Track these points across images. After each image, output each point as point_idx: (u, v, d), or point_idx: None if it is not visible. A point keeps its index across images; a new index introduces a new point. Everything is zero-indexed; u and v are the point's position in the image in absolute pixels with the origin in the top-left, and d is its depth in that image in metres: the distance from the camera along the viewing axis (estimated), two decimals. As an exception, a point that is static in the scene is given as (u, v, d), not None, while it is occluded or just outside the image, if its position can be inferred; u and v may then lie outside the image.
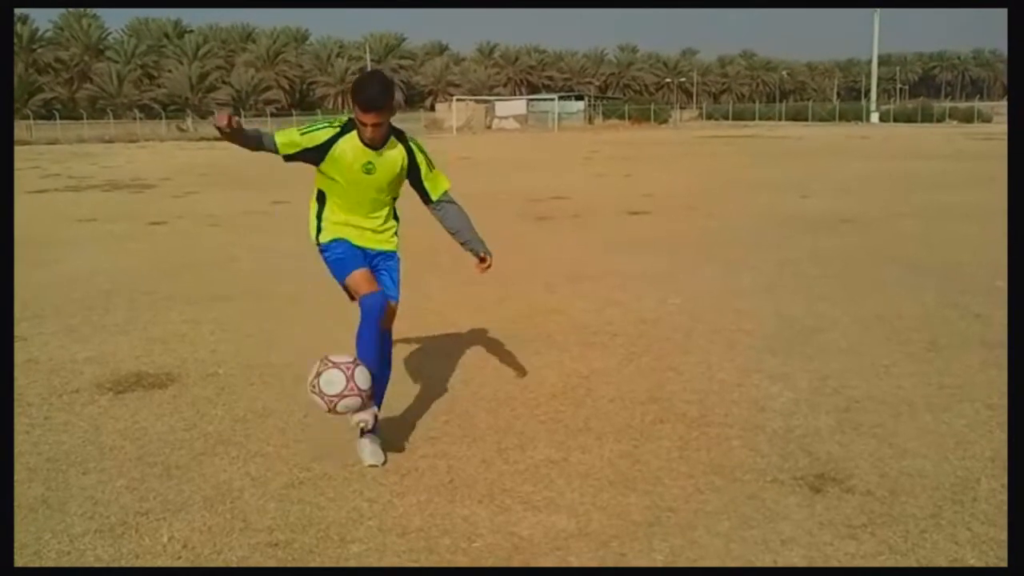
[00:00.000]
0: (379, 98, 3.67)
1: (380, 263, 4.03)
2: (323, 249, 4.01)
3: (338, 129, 3.82)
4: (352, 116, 3.80)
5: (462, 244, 4.13)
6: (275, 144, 3.83)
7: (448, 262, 8.38)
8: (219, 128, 3.61)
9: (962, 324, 6.17)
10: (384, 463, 3.90)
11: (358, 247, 3.96)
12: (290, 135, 3.85)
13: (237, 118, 3.67)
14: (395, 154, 3.88)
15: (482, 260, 4.09)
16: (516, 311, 6.79)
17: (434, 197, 4.03)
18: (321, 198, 3.99)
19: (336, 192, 3.92)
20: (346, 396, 3.62)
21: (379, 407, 4.01)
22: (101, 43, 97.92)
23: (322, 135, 3.82)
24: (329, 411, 3.67)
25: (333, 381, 3.62)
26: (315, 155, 3.83)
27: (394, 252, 4.08)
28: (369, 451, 3.91)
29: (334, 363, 3.66)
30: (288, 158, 3.86)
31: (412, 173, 3.96)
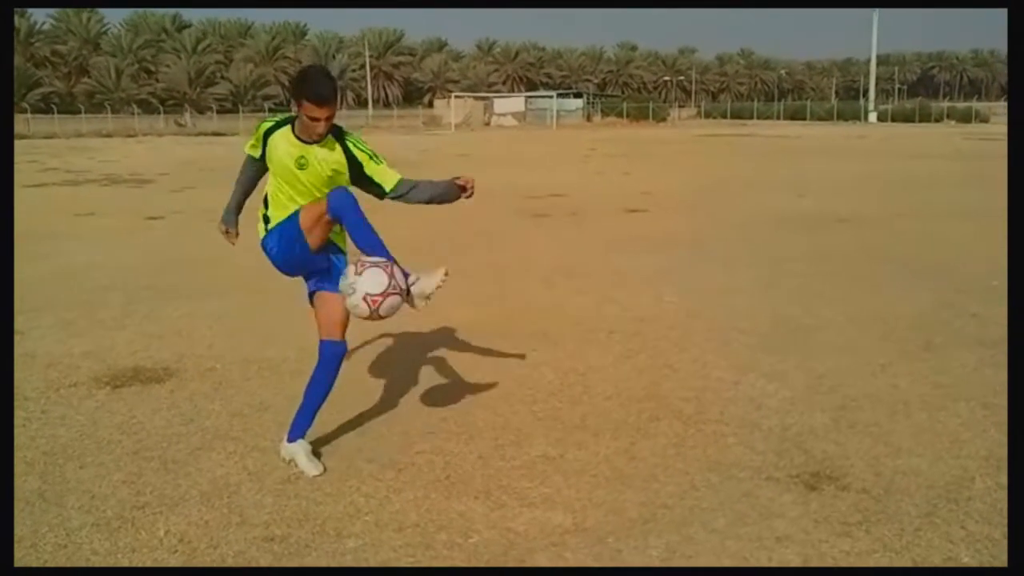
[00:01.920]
0: (332, 91, 3.57)
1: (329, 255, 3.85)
2: (270, 232, 3.85)
3: (274, 123, 3.76)
4: (293, 114, 3.72)
5: (442, 198, 3.87)
6: (248, 156, 3.89)
7: (444, 258, 8.38)
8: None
9: (958, 323, 6.18)
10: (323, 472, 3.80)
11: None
12: (251, 138, 3.86)
13: (232, 230, 4.12)
14: (331, 153, 3.70)
15: (462, 181, 3.87)
16: (513, 308, 6.80)
17: (388, 188, 3.77)
18: (265, 199, 3.86)
19: (276, 190, 3.78)
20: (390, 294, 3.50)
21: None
22: (99, 37, 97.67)
23: (262, 128, 3.77)
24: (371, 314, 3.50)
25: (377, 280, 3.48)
26: (263, 149, 3.78)
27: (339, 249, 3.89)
28: (305, 461, 3.81)
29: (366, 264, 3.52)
30: (261, 157, 3.80)
31: (354, 170, 3.75)
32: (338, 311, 3.73)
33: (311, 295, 3.89)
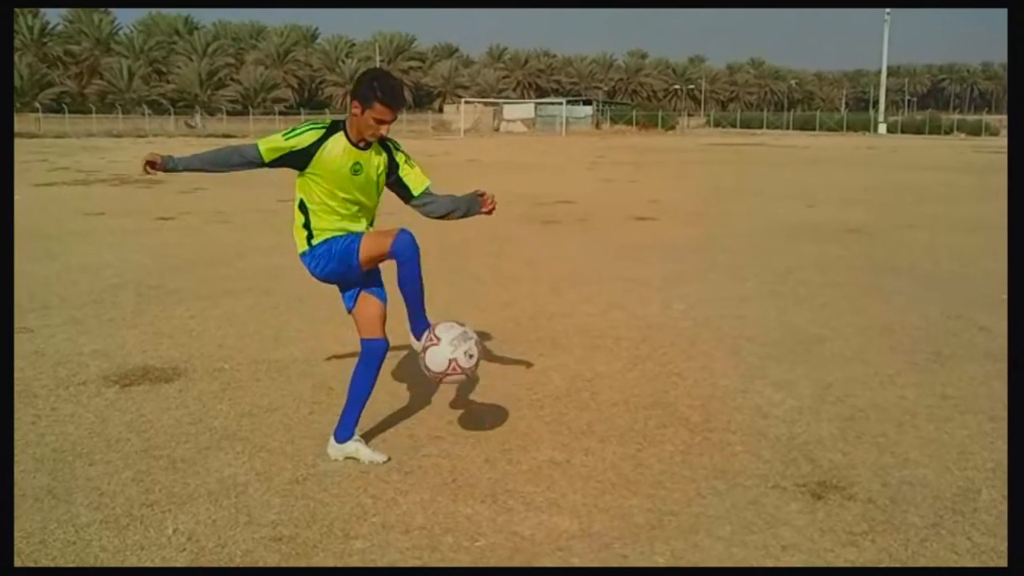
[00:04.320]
0: (405, 99, 3.74)
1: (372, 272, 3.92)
2: (315, 248, 3.86)
3: (323, 131, 3.71)
4: (336, 119, 3.76)
5: (463, 214, 3.99)
6: (258, 152, 3.69)
7: (454, 264, 8.40)
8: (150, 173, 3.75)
9: (966, 336, 6.18)
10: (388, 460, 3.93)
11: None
12: (274, 140, 3.71)
13: (161, 158, 3.84)
14: (379, 156, 3.80)
15: (483, 196, 3.93)
16: (522, 313, 6.81)
17: (416, 192, 3.89)
18: (304, 208, 3.84)
19: (322, 199, 3.76)
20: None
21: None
22: (111, 38, 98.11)
23: (309, 137, 3.68)
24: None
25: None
26: (301, 159, 3.69)
27: None
28: (368, 452, 3.93)
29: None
30: (272, 163, 3.71)
31: (391, 170, 3.86)
32: (377, 311, 3.89)
33: (351, 300, 3.94)
